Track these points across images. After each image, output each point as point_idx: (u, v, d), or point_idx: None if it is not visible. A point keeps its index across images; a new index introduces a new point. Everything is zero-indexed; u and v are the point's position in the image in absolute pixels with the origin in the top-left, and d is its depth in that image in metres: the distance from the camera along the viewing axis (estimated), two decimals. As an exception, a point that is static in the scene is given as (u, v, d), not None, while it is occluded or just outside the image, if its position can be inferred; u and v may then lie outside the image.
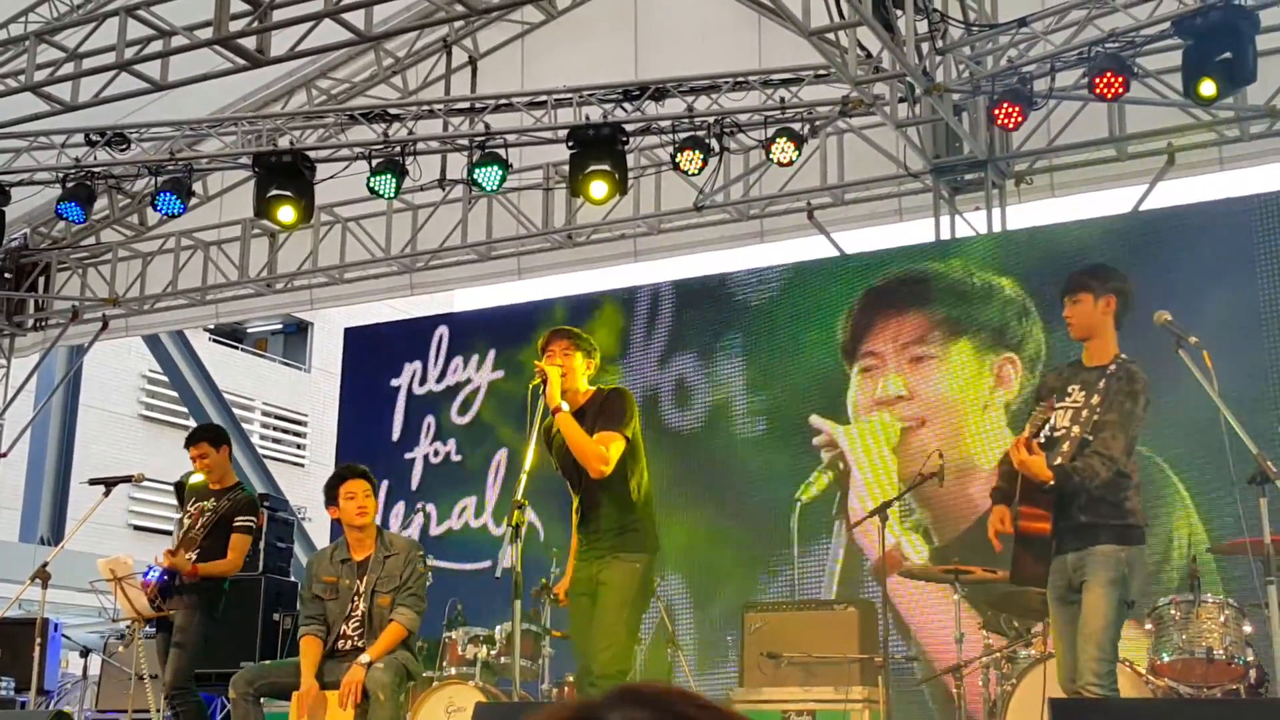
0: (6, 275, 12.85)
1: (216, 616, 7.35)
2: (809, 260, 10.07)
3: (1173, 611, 6.24)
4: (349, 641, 6.44)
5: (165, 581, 7.11)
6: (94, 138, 10.12)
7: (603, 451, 5.31)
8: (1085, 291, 5.27)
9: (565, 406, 5.36)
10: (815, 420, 9.17)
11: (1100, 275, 5.42)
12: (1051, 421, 5.23)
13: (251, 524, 7.33)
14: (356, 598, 6.48)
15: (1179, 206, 8.76)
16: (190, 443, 7.59)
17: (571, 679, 7.34)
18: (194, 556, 7.14)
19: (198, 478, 7.45)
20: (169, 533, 7.66)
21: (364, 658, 6.22)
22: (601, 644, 5.31)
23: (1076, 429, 5.09)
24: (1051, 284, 8.50)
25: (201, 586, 7.19)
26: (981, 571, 7.13)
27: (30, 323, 13.32)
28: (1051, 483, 5.00)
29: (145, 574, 9.55)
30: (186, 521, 7.39)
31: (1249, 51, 7.57)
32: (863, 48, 8.44)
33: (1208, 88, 7.65)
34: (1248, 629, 6.18)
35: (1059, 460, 5.11)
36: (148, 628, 7.67)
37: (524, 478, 5.14)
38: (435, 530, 10.35)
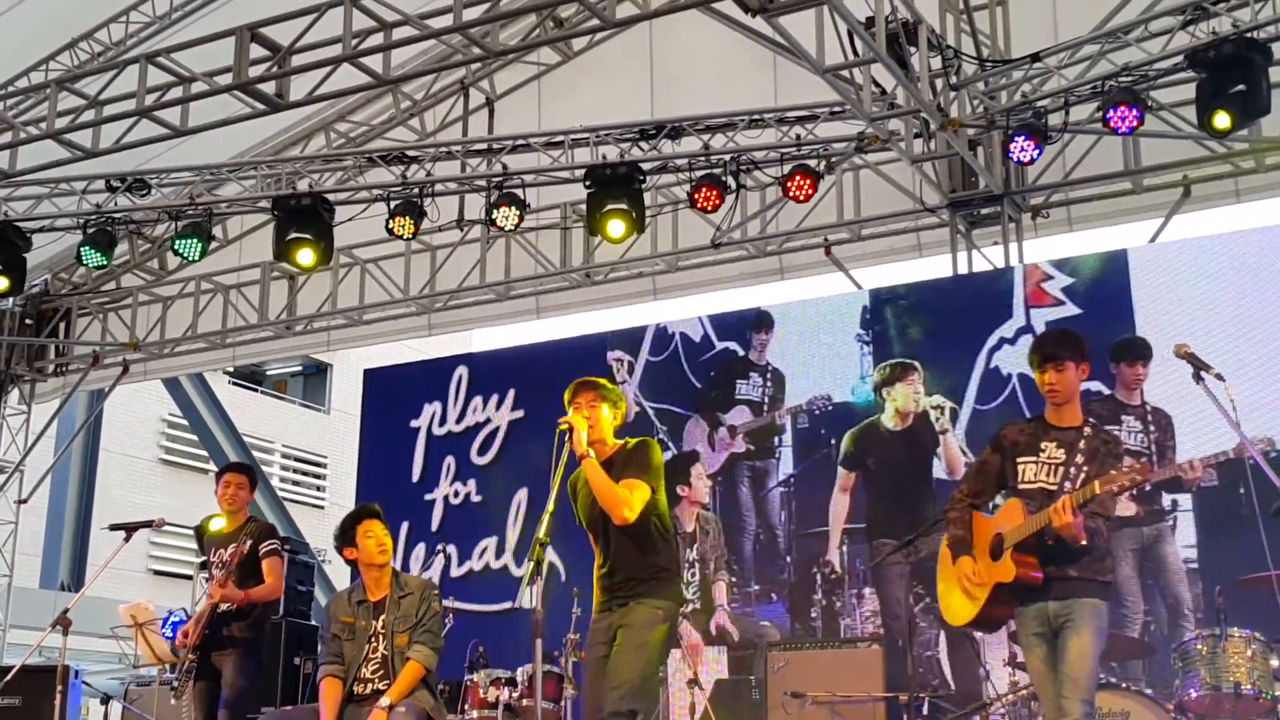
0: (28, 321, 12.93)
1: (262, 663, 7.30)
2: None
3: (1199, 646, 6.19)
4: (369, 685, 6.40)
5: (214, 621, 7.02)
6: (114, 184, 10.19)
7: (627, 496, 5.29)
8: (1070, 360, 5.29)
9: (591, 453, 5.36)
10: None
11: (1075, 344, 5.40)
12: (1021, 473, 5.27)
13: (277, 546, 7.29)
14: (374, 639, 6.46)
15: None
16: (237, 470, 7.59)
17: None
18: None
19: (218, 523, 7.40)
20: (189, 577, 7.63)
21: (384, 701, 6.19)
22: (614, 681, 5.23)
23: (1069, 486, 5.12)
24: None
25: (246, 635, 7.11)
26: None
27: (51, 368, 13.39)
28: (1084, 543, 5.02)
29: (165, 620, 9.56)
30: (215, 571, 7.34)
31: (1263, 84, 7.58)
32: (877, 84, 8.47)
33: (1222, 120, 7.66)
34: (1275, 663, 6.13)
35: (1035, 511, 5.13)
36: (169, 672, 7.62)
37: (547, 517, 5.13)
38: (456, 571, 10.34)
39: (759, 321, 9.82)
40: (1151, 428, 8.15)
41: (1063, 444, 5.24)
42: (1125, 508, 8.03)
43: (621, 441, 5.54)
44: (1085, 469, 5.14)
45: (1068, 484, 5.14)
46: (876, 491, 9.08)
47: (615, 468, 5.40)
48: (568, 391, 5.57)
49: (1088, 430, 5.26)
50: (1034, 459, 5.28)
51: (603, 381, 5.61)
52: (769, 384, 9.63)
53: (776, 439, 9.53)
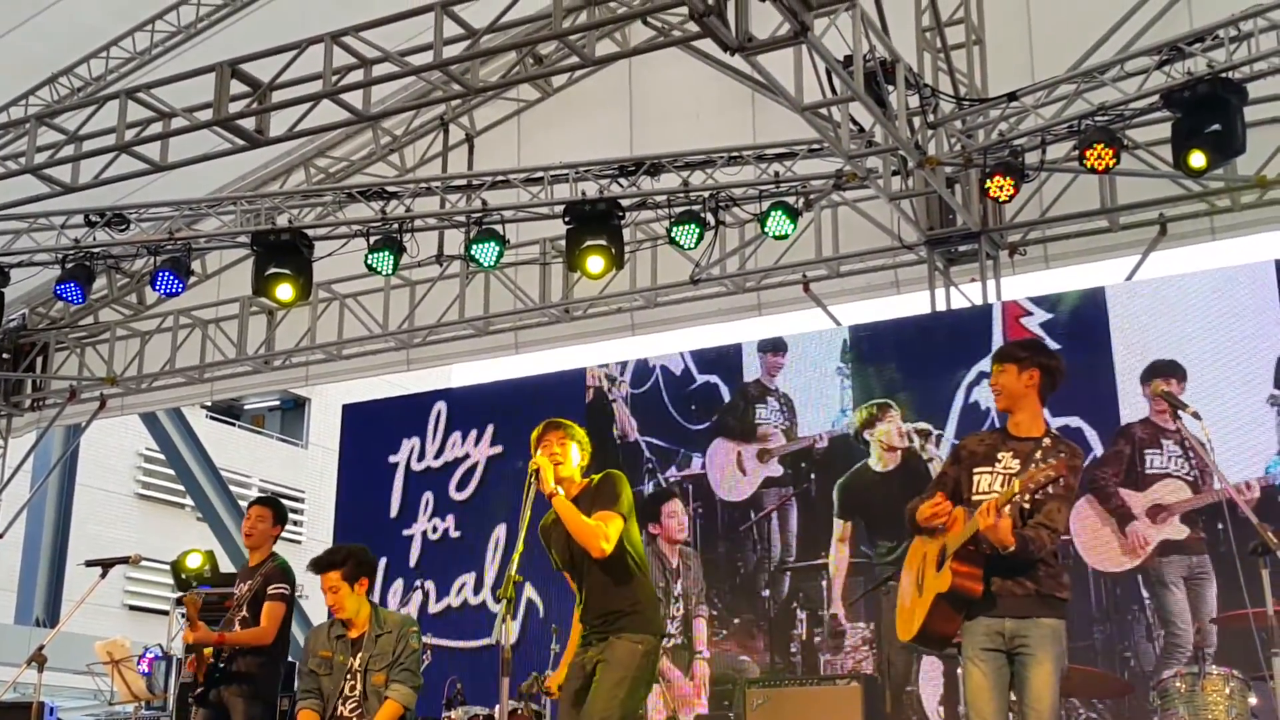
0: (4, 356, 12.86)
1: (274, 704, 7.18)
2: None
3: (1178, 684, 6.19)
4: (345, 724, 6.37)
5: (211, 667, 6.85)
6: (93, 218, 10.17)
7: (603, 529, 5.28)
8: (1011, 361, 5.17)
9: (560, 491, 5.35)
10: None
11: (1029, 348, 5.34)
12: (976, 484, 5.11)
13: (284, 591, 7.01)
14: (351, 675, 6.43)
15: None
16: (260, 503, 7.48)
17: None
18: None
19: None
20: (165, 613, 7.55)
21: (361, 740, 6.16)
22: (592, 718, 5.21)
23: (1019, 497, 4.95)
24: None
25: (254, 673, 6.93)
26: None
27: (28, 403, 13.30)
28: (1012, 548, 4.82)
29: (141, 657, 9.47)
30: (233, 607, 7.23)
31: (1238, 123, 7.65)
32: (855, 122, 8.53)
33: (1198, 159, 7.73)
34: (1253, 701, 6.14)
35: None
36: (145, 709, 7.53)
37: (517, 556, 5.11)
38: (434, 607, 10.28)
39: (773, 346, 9.82)
40: (1190, 453, 8.08)
41: (1019, 454, 5.05)
42: (1178, 531, 8.05)
43: (587, 480, 5.55)
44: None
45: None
46: (879, 538, 8.97)
47: (584, 503, 5.39)
48: (535, 431, 5.57)
49: (1047, 441, 5.07)
50: (989, 469, 5.09)
51: (570, 422, 5.61)
52: (784, 408, 9.63)
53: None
